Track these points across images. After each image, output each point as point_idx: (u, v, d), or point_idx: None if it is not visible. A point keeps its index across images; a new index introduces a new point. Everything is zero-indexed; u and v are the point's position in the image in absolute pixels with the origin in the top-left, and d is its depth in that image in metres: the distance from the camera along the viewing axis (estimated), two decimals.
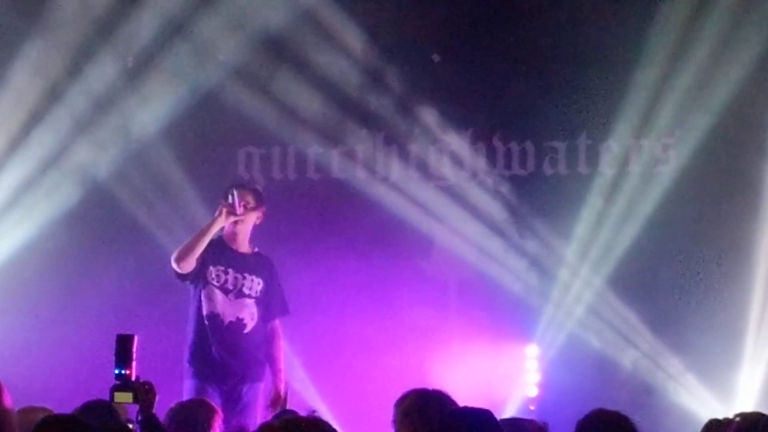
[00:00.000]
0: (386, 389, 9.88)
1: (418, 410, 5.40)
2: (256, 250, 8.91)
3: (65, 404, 6.08)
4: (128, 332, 6.56)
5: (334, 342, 10.35)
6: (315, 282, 10.10)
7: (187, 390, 8.63)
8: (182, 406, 6.83)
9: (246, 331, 8.74)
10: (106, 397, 6.44)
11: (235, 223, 8.73)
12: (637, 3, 10.20)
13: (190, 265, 8.63)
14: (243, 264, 8.79)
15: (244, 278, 8.79)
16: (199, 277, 8.74)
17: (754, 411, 6.24)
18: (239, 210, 8.65)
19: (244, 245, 8.84)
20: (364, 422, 9.48)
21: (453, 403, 5.43)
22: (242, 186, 8.91)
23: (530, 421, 6.68)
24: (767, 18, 10.00)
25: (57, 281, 10.48)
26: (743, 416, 5.82)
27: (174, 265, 8.67)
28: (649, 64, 10.09)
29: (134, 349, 6.46)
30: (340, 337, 10.34)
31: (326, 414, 9.05)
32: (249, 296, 8.78)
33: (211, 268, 8.72)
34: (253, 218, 8.79)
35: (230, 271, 8.76)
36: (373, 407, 9.67)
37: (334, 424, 5.18)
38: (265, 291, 8.82)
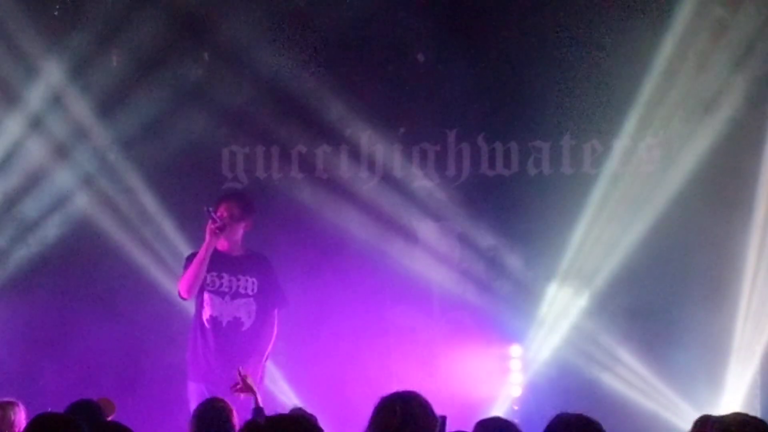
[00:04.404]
0: (369, 388, 9.97)
1: (396, 413, 5.39)
2: (249, 251, 9.19)
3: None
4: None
5: (318, 341, 10.35)
6: (298, 281, 10.08)
7: (189, 391, 9.03)
8: (204, 407, 7.00)
9: (244, 328, 9.05)
10: None
11: (223, 232, 8.99)
12: (620, 6, 10.21)
13: (195, 292, 9.02)
14: (236, 267, 9.09)
15: (238, 280, 9.09)
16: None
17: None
18: (222, 222, 8.91)
19: (236, 249, 9.14)
20: (346, 422, 9.48)
21: (428, 404, 5.45)
22: (228, 198, 9.21)
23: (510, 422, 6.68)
24: (749, 21, 10.03)
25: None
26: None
27: (182, 297, 9.10)
28: (634, 64, 10.10)
29: None
30: (323, 335, 10.34)
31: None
32: (246, 295, 9.08)
33: (207, 275, 9.03)
34: (241, 226, 9.07)
35: (224, 275, 9.08)
36: (355, 406, 9.70)
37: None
38: (261, 288, 9.10)
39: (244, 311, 9.06)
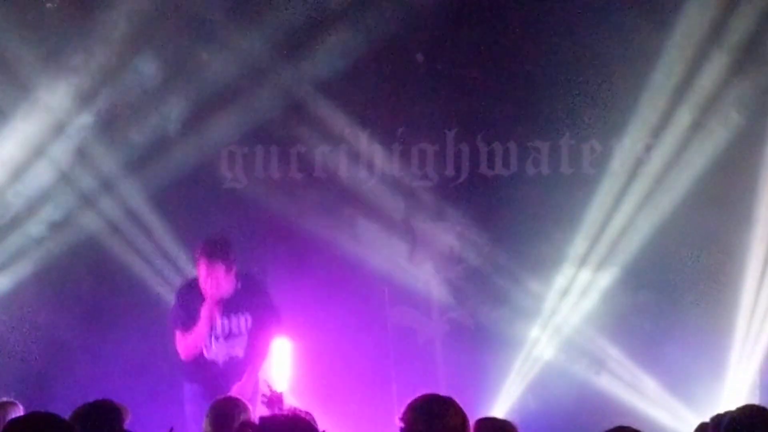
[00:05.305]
0: (369, 389, 9.99)
1: (428, 415, 5.38)
2: (239, 284, 8.88)
3: None
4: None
5: (316, 341, 10.34)
6: (297, 281, 10.09)
7: (185, 391, 8.96)
8: (217, 402, 6.96)
9: (239, 362, 8.91)
10: None
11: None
12: (620, 7, 10.21)
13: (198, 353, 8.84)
14: (228, 306, 8.85)
15: (230, 320, 8.89)
16: None
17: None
18: (214, 284, 8.70)
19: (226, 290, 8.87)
20: (346, 422, 9.48)
21: (460, 408, 5.44)
22: (205, 257, 8.76)
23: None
24: (748, 14, 10.03)
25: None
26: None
27: (185, 360, 8.85)
28: (633, 65, 10.11)
29: None
30: (322, 336, 10.33)
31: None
32: (239, 334, 8.92)
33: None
34: (230, 276, 8.78)
35: (216, 317, 8.84)
36: (355, 406, 9.71)
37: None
38: (255, 322, 8.93)
39: (240, 349, 8.92)
